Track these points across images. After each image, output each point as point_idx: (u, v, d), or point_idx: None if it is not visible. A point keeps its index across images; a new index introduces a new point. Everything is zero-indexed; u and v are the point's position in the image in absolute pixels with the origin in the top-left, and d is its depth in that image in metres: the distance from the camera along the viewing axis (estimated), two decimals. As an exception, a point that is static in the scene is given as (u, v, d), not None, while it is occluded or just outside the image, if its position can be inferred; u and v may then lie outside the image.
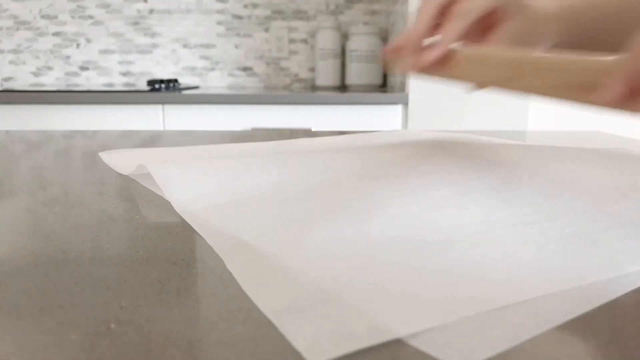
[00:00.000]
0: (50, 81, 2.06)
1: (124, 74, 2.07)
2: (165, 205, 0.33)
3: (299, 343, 0.16)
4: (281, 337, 0.17)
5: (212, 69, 2.07)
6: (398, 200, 0.30)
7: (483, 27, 0.46)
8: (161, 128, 1.57)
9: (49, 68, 2.06)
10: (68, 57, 2.05)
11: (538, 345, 0.16)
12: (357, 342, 0.16)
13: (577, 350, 0.16)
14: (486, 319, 0.18)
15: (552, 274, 0.21)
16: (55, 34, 2.04)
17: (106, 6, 2.03)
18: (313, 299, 0.19)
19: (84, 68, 2.06)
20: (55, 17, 2.03)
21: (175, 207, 0.31)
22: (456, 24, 0.43)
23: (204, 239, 0.26)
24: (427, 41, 0.45)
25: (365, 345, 0.16)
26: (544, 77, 0.34)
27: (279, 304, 0.19)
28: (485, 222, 0.27)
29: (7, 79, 2.06)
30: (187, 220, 0.29)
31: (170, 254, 0.24)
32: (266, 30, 2.05)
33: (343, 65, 2.02)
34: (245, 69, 2.07)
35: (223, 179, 0.35)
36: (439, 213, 0.28)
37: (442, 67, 0.43)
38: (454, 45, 0.43)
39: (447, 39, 0.42)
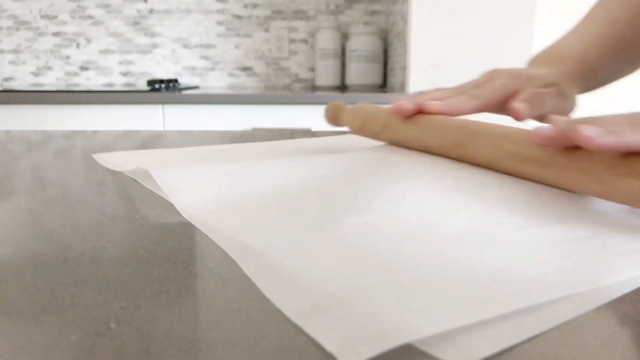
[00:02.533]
0: (50, 81, 2.06)
1: (124, 74, 2.07)
2: (165, 205, 0.33)
3: (330, 345, 0.16)
4: (281, 337, 0.17)
5: (212, 69, 2.07)
6: (408, 202, 0.30)
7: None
8: (161, 128, 1.57)
9: (49, 68, 2.06)
10: (68, 57, 2.05)
11: (538, 345, 0.16)
12: (390, 340, 0.16)
13: (577, 349, 0.16)
14: (486, 318, 0.18)
15: (571, 275, 0.21)
16: (55, 34, 2.04)
17: (106, 6, 2.03)
18: (336, 299, 0.19)
19: (84, 68, 2.06)
20: (55, 17, 2.03)
21: (180, 212, 0.31)
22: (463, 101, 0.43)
23: (203, 239, 0.26)
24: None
25: (399, 344, 0.16)
26: (497, 145, 0.35)
27: (302, 306, 0.19)
28: (496, 224, 0.27)
29: (7, 79, 2.06)
30: (196, 224, 0.29)
31: (170, 254, 0.24)
32: (266, 30, 2.05)
33: (343, 65, 2.02)
34: (245, 69, 2.07)
35: (227, 182, 0.35)
36: (450, 216, 0.28)
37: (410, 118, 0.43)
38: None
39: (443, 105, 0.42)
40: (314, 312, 0.18)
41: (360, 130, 0.50)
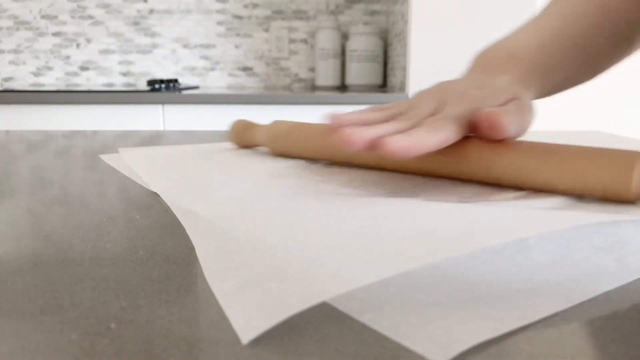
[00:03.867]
0: (50, 81, 2.06)
1: (124, 74, 2.07)
2: (165, 205, 0.33)
3: (236, 323, 0.17)
4: (281, 337, 0.17)
5: (212, 69, 2.07)
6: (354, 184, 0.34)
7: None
8: (161, 128, 1.57)
9: (49, 68, 2.06)
10: (68, 57, 2.05)
11: (539, 346, 0.16)
12: (286, 310, 0.17)
13: (577, 349, 0.16)
14: (467, 313, 0.18)
15: (480, 232, 0.22)
16: (55, 34, 2.04)
17: (106, 6, 2.03)
18: (261, 276, 0.19)
19: (84, 68, 2.06)
20: (55, 17, 2.03)
21: (150, 188, 0.34)
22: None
23: (204, 239, 0.26)
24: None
25: (293, 312, 0.16)
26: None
27: (228, 286, 0.19)
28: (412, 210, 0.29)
29: (7, 79, 2.06)
30: (165, 200, 0.31)
31: (170, 254, 0.24)
32: (266, 30, 2.05)
33: (343, 65, 2.02)
34: (245, 69, 2.07)
35: (190, 166, 0.41)
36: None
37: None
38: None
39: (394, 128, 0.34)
40: (236, 292, 0.19)
41: (284, 149, 0.46)
